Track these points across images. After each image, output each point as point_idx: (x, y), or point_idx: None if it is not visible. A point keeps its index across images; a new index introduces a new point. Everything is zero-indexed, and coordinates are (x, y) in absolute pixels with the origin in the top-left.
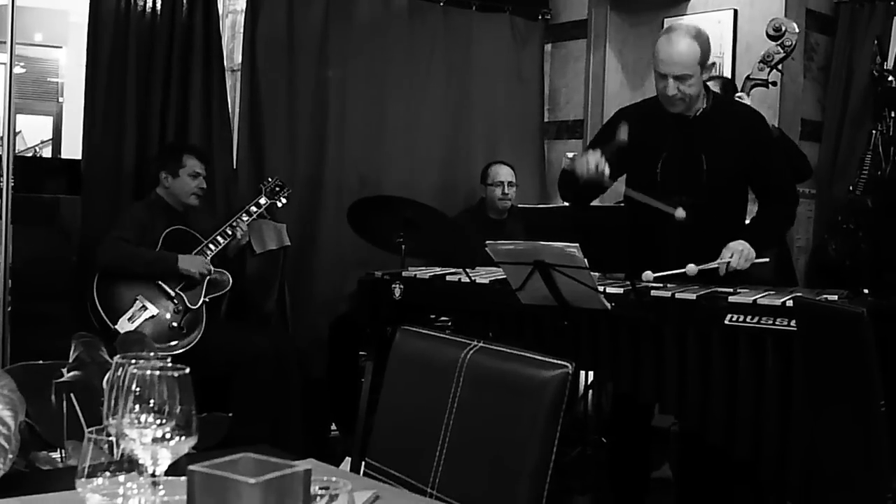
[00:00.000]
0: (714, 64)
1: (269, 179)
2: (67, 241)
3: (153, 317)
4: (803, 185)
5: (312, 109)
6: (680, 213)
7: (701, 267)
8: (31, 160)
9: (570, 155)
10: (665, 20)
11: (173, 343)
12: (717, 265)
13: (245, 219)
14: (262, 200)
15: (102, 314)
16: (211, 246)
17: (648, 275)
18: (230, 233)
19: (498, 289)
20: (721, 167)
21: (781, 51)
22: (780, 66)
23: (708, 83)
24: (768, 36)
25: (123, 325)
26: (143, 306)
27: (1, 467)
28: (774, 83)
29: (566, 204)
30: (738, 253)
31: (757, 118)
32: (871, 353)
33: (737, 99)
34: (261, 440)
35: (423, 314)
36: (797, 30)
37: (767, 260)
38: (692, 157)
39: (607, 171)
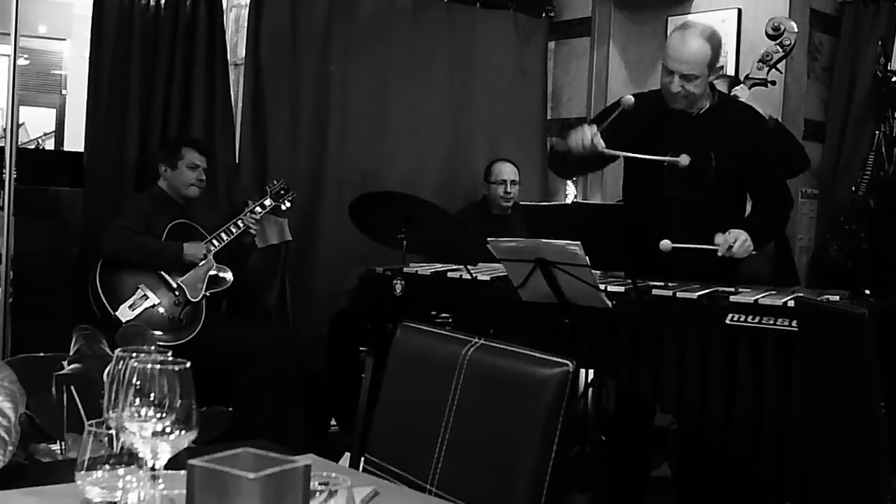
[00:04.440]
0: (722, 66)
1: (275, 182)
2: (69, 233)
3: (153, 306)
4: (805, 186)
5: (315, 105)
6: (684, 159)
7: (724, 249)
8: (34, 152)
9: (554, 139)
10: (669, 18)
11: (170, 334)
12: (726, 247)
13: (250, 217)
14: (267, 202)
15: (104, 300)
16: (214, 242)
17: (666, 244)
18: (234, 230)
19: (499, 286)
20: (727, 165)
21: (780, 50)
22: (779, 66)
23: (715, 81)
24: (767, 35)
25: (124, 313)
26: (145, 295)
27: (1, 459)
28: (773, 82)
29: (568, 202)
30: (741, 241)
31: (756, 117)
32: (872, 354)
33: (736, 94)
34: (261, 435)
35: (423, 310)
36: (796, 29)
37: (755, 252)
38: (700, 156)
39: (601, 143)
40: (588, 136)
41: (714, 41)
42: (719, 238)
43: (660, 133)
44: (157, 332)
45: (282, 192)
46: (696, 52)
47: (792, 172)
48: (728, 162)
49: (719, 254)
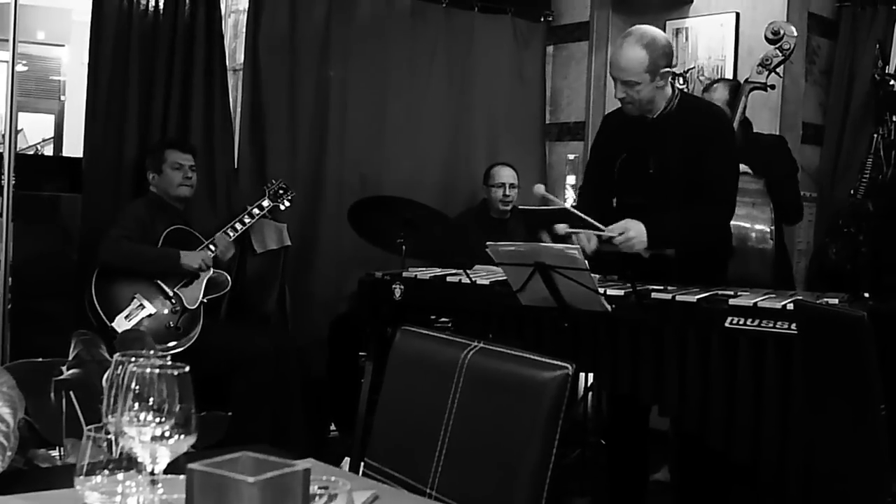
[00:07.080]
0: (671, 72)
1: (273, 182)
2: (68, 239)
3: (150, 315)
4: (804, 189)
5: (314, 109)
6: (643, 249)
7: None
8: (33, 158)
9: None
10: (667, 22)
11: (169, 343)
12: (596, 233)
13: (247, 220)
14: (266, 203)
15: (100, 311)
16: (212, 246)
17: (562, 227)
18: (231, 234)
19: (498, 290)
20: (668, 168)
21: (780, 54)
22: (778, 70)
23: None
24: (767, 39)
25: (120, 324)
26: (141, 304)
27: (0, 464)
28: (773, 86)
29: (567, 205)
30: (627, 236)
31: (715, 116)
32: (872, 356)
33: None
34: (260, 439)
35: (423, 315)
36: (795, 33)
37: (672, 252)
38: (642, 159)
39: (593, 247)
40: (584, 245)
41: (653, 48)
42: (616, 228)
43: (621, 141)
44: (158, 342)
45: (280, 191)
46: (630, 59)
47: (782, 176)
48: (670, 164)
49: (615, 241)
